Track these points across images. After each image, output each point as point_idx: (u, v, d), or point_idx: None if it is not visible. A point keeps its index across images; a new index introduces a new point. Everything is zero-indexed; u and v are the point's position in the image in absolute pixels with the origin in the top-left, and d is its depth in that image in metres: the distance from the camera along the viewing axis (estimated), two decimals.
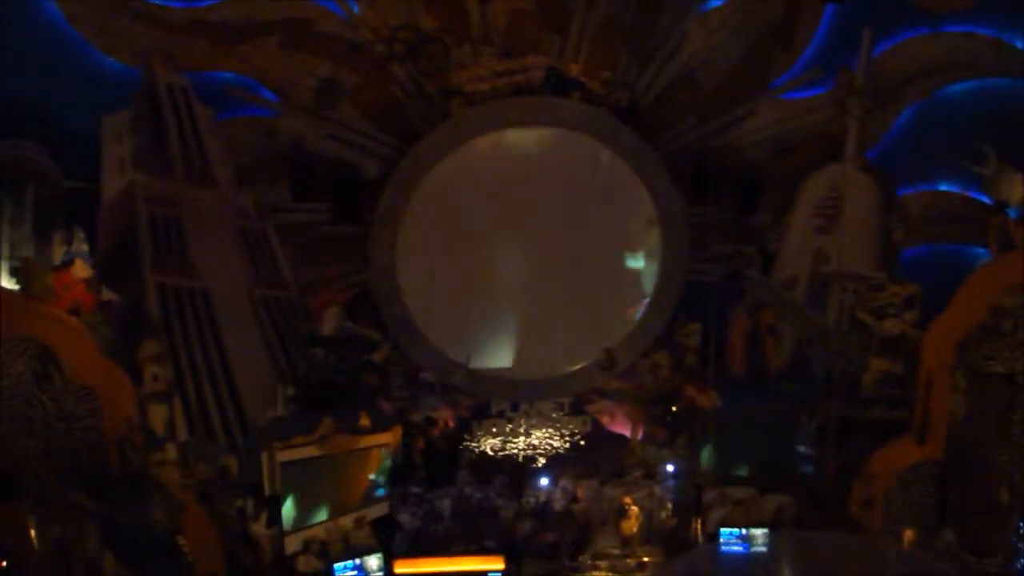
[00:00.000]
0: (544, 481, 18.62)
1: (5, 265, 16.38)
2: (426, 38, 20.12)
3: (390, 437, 18.07)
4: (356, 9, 19.89)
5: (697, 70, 20.33)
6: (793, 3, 19.68)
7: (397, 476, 18.09)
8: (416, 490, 18.35)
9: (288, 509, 16.23)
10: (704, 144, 20.45)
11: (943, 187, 20.26)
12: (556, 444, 20.03)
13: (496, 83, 20.25)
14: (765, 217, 20.30)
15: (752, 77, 20.29)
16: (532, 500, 18.38)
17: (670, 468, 18.39)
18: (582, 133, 20.38)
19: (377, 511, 17.38)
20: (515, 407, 20.40)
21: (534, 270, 20.91)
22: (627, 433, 20.00)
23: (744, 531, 16.19)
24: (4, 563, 13.37)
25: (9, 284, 16.03)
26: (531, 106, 20.31)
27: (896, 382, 17.44)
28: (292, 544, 16.11)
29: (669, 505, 17.88)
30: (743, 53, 20.18)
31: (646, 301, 20.76)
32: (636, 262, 20.95)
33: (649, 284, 20.82)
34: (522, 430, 20.09)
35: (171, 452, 16.13)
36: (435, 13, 20.10)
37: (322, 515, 16.67)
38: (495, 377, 20.63)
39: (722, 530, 16.34)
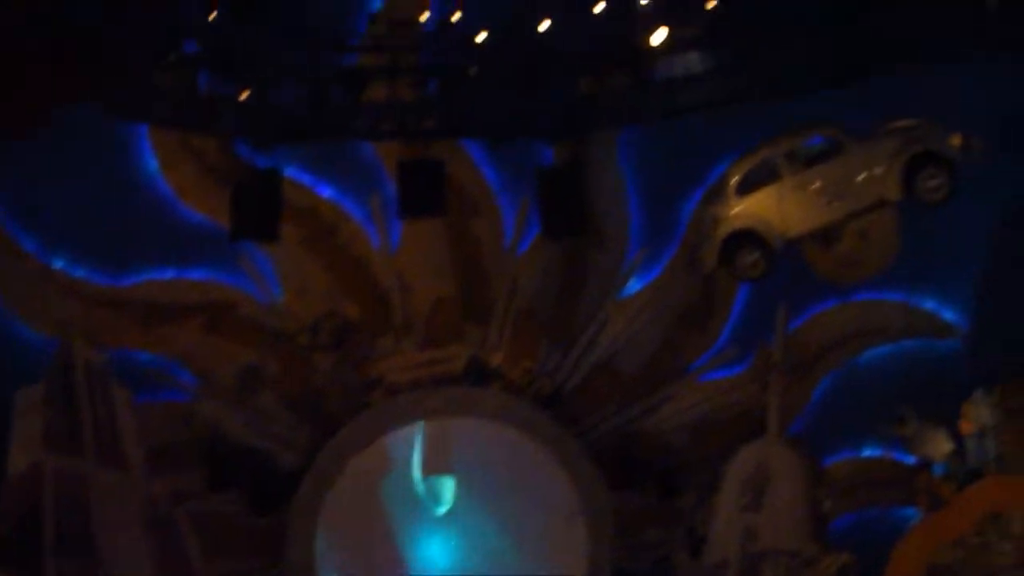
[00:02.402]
0: None
1: None
2: (349, 328, 20.29)
3: None
4: (280, 297, 20.10)
5: (617, 356, 20.47)
6: (708, 285, 20.20)
7: None
8: None
9: None
10: (626, 430, 20.29)
11: (867, 452, 20.29)
12: None
13: (418, 373, 20.19)
14: (691, 499, 19.79)
15: (671, 360, 20.52)
16: None
17: None
18: (503, 424, 20.30)
19: None
20: None
21: (456, 566, 20.06)
22: None
23: None
24: None
25: None
26: (452, 397, 20.17)
27: None
28: None
29: None
30: (661, 337, 20.49)
31: None
32: (561, 554, 20.21)
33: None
34: None
35: None
36: (359, 302, 20.34)
37: None
38: None
39: None
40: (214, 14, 15.69)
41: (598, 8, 15.64)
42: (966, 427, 18.20)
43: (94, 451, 17.90)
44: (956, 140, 15.73)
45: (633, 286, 20.48)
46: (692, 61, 15.79)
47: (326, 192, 20.13)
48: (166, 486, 18.68)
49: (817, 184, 16.38)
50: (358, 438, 19.93)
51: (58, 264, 19.12)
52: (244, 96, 16.25)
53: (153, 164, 19.35)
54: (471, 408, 20.29)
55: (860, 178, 16.05)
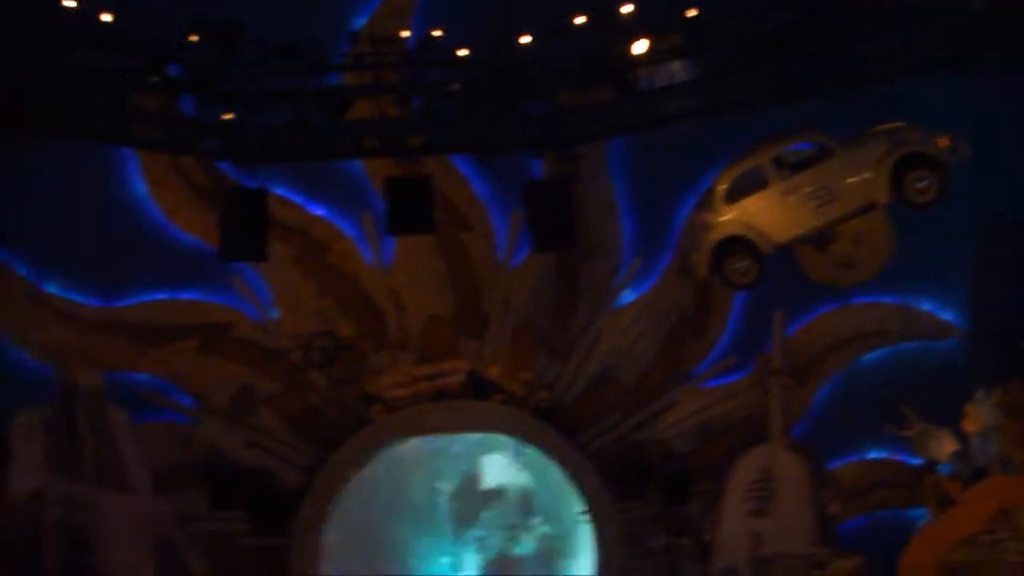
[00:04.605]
0: None
1: None
2: (343, 346, 20.21)
3: None
4: (274, 315, 20.13)
5: (615, 366, 20.42)
6: (703, 293, 20.09)
7: None
8: None
9: None
10: (629, 439, 20.17)
11: (872, 455, 20.12)
12: None
13: (416, 388, 20.07)
14: (697, 506, 19.69)
15: (670, 369, 20.40)
16: None
17: None
18: (506, 435, 20.24)
19: None
20: None
21: None
22: None
23: None
24: None
25: None
26: (452, 410, 20.09)
27: None
28: None
29: None
30: (659, 346, 20.42)
31: None
32: (571, 564, 20.35)
33: None
34: None
35: None
36: (353, 320, 20.33)
37: None
38: None
39: None
40: (194, 36, 15.69)
41: (579, 20, 15.62)
42: (969, 427, 18.23)
43: (95, 474, 18.04)
44: (943, 142, 15.68)
45: (628, 296, 20.45)
46: (675, 70, 15.71)
47: (317, 210, 20.13)
48: (169, 507, 18.86)
49: (806, 189, 16.24)
50: (359, 454, 19.97)
51: (51, 288, 19.18)
52: (227, 118, 16.27)
53: (142, 187, 19.43)
54: (472, 421, 20.28)
55: (848, 181, 15.94)
